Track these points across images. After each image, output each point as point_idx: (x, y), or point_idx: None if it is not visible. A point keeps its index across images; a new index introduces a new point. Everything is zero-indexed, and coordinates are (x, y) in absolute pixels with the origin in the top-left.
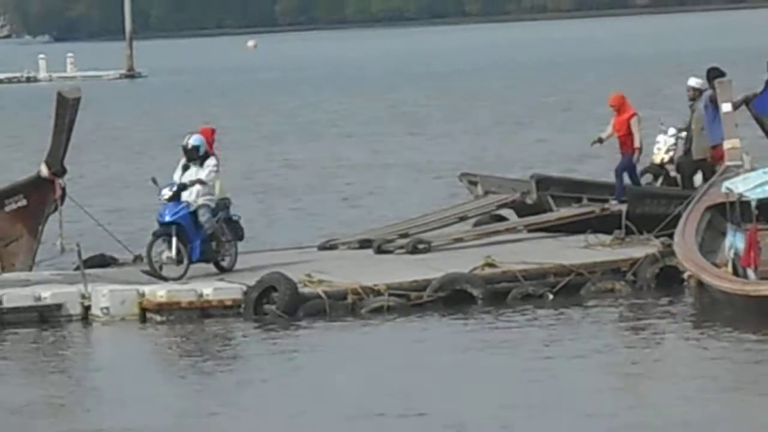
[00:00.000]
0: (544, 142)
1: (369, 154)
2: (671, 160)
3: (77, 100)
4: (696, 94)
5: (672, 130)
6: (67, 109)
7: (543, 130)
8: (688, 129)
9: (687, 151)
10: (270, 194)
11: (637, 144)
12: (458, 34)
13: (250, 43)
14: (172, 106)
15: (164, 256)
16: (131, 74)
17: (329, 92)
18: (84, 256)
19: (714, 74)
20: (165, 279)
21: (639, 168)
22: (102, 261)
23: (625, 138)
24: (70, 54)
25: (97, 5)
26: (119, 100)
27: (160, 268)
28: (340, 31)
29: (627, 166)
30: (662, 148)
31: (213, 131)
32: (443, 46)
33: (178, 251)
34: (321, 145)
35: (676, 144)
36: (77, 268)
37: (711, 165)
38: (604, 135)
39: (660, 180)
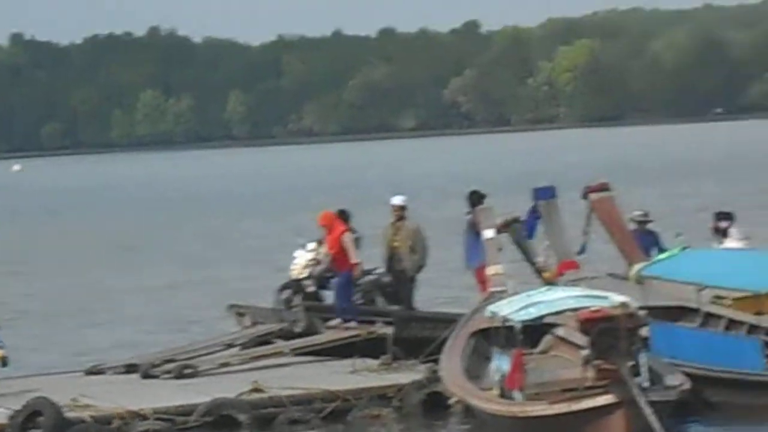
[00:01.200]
0: None
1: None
2: (310, 276)
3: None
4: (402, 212)
5: (311, 245)
6: None
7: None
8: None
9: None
10: (30, 319)
11: (353, 260)
12: (222, 158)
13: (16, 167)
14: None
15: None
16: None
17: None
18: None
19: (475, 198)
20: None
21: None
22: None
23: (339, 256)
24: None
25: None
26: None
27: None
28: (106, 155)
29: (345, 283)
30: (300, 263)
31: None
32: (203, 171)
33: None
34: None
35: (314, 259)
36: None
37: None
38: (320, 256)
39: (300, 296)
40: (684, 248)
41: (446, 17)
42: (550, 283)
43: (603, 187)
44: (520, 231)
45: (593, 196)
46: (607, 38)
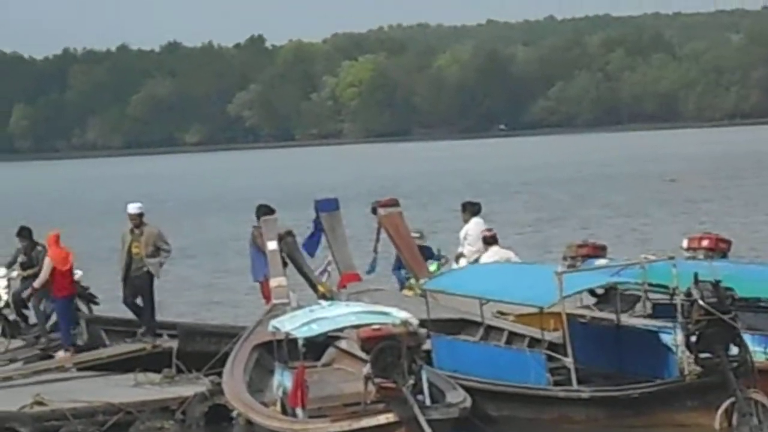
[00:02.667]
0: None
1: None
2: (8, 304)
3: None
4: (138, 219)
5: (2, 271)
6: None
7: None
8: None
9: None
10: None
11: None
12: (6, 172)
13: None
14: None
15: None
16: None
17: None
18: None
19: (263, 211)
20: None
21: None
22: None
23: (60, 278)
24: None
25: None
26: None
27: None
28: None
29: (65, 308)
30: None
31: None
32: None
33: None
34: None
35: (8, 286)
36: None
37: None
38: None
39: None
40: (440, 266)
41: (231, 32)
42: (325, 296)
43: (391, 203)
44: (292, 244)
45: (382, 211)
46: (392, 54)
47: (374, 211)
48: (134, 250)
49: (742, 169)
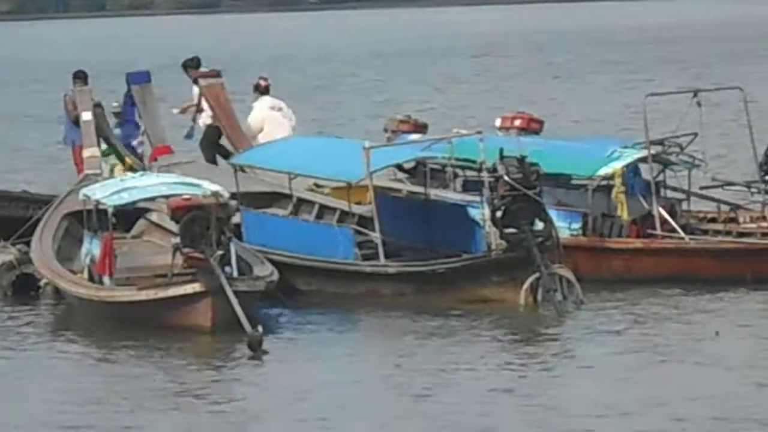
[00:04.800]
0: None
1: None
2: None
3: None
4: None
5: None
6: None
7: None
8: None
9: None
10: None
11: None
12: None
13: None
14: None
15: None
16: None
17: None
18: None
19: (80, 78)
20: None
21: None
22: None
23: None
24: None
25: None
26: None
27: None
28: None
29: None
30: None
31: None
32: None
33: None
34: None
35: None
36: None
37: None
38: None
39: None
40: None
41: None
42: (132, 169)
43: (213, 74)
44: (100, 115)
45: (203, 81)
46: None
47: (195, 81)
48: None
49: (554, 46)
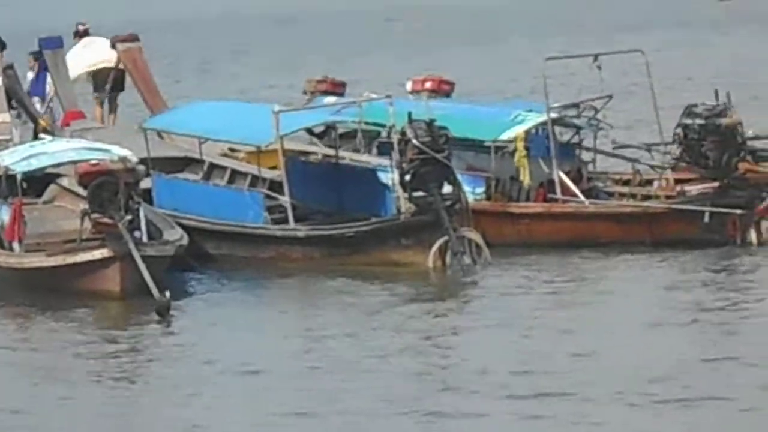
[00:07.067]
0: None
1: None
2: None
3: None
4: None
5: None
6: None
7: None
8: None
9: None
10: None
11: None
12: None
13: None
14: None
15: None
16: None
17: None
18: None
19: None
20: None
21: None
22: None
23: None
24: None
25: None
26: None
27: None
28: None
29: None
30: None
31: None
32: None
33: None
34: None
35: None
36: None
37: None
38: None
39: None
40: None
41: None
42: (46, 131)
43: (131, 38)
44: (13, 77)
45: (120, 46)
46: None
47: (113, 45)
48: None
49: (468, 12)
